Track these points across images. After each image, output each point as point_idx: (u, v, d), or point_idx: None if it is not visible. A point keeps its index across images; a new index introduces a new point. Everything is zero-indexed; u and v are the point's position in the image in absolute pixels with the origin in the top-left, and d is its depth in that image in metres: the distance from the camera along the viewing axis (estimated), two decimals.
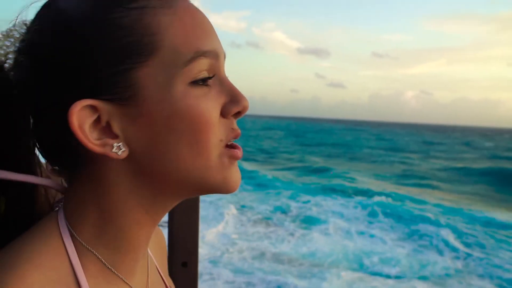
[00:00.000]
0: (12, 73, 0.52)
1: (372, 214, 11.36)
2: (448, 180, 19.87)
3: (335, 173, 19.41)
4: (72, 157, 0.50)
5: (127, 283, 0.54)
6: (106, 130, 0.48)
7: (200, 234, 1.32)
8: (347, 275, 7.39)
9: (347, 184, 16.46)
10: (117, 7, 0.46)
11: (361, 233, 9.87)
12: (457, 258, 8.40)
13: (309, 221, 10.55)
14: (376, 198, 13.51)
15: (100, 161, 0.49)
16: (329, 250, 8.58)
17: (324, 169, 20.61)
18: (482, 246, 9.09)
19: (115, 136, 0.48)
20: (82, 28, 0.46)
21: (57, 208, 0.52)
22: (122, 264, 0.53)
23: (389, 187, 16.87)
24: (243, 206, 11.97)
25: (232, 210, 11.09)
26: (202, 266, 6.92)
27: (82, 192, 0.51)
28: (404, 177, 20.41)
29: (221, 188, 0.52)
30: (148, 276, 0.60)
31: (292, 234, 9.48)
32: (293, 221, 10.61)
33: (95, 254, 0.50)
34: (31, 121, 0.52)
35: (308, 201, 12.83)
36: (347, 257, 8.30)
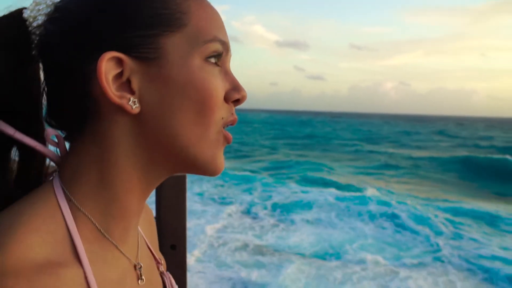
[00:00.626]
0: (37, 31, 0.54)
1: (342, 207, 11.37)
2: (419, 169, 20.14)
3: (306, 164, 19.48)
4: (83, 111, 0.51)
5: (119, 250, 0.55)
6: (125, 85, 0.51)
7: None
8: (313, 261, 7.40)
9: (316, 175, 16.55)
10: None
11: (330, 223, 9.92)
12: (427, 246, 8.53)
13: (276, 211, 10.55)
14: (344, 190, 13.60)
15: (108, 116, 0.51)
16: (297, 241, 8.59)
17: (296, 162, 20.67)
18: (452, 236, 9.19)
19: (132, 92, 0.51)
20: None
21: (51, 178, 0.54)
22: (115, 231, 0.54)
23: (360, 178, 17.03)
24: (222, 198, 11.98)
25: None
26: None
27: (82, 153, 0.53)
28: (376, 167, 20.63)
29: (208, 166, 0.55)
30: (138, 247, 0.62)
31: (262, 227, 9.45)
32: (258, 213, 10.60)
33: (90, 219, 0.52)
34: (43, 83, 0.55)
35: (273, 191, 12.83)
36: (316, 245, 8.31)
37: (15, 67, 0.54)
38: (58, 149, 0.56)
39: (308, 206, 11.28)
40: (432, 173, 19.23)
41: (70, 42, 0.51)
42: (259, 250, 7.98)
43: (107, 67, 0.49)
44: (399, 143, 34.88)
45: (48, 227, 0.48)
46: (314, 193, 12.75)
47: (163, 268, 0.70)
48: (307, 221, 10.00)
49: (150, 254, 0.68)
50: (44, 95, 0.56)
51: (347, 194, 12.68)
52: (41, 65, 0.55)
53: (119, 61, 0.50)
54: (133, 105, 0.50)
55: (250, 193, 12.72)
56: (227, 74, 0.57)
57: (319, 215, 10.45)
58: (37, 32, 0.54)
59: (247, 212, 10.67)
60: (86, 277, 0.48)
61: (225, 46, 0.56)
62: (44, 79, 0.55)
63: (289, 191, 13.11)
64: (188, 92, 0.52)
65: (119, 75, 0.50)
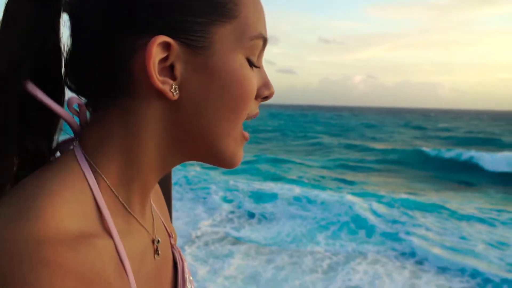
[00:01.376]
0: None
1: (293, 199, 11.12)
2: (378, 162, 20.20)
3: (263, 158, 19.20)
4: (117, 85, 0.50)
5: (140, 224, 0.56)
6: (167, 70, 0.50)
7: None
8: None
9: (271, 170, 16.27)
10: None
11: (282, 217, 9.70)
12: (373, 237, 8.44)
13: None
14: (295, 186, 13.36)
15: (144, 96, 0.50)
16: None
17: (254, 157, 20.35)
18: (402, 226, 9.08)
19: (174, 78, 0.50)
20: None
21: (72, 147, 0.52)
22: (136, 206, 0.54)
23: (318, 172, 16.87)
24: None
25: None
26: None
27: (109, 126, 0.51)
28: (332, 161, 20.61)
29: (228, 160, 0.55)
30: (153, 222, 0.62)
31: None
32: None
33: (114, 192, 0.51)
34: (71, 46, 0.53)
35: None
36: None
37: (43, 20, 0.50)
38: (78, 118, 0.54)
39: (266, 199, 10.99)
40: (389, 165, 19.31)
41: (116, 12, 0.49)
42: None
43: (156, 51, 0.47)
44: (364, 136, 35.13)
45: (77, 198, 0.46)
46: (270, 187, 12.45)
47: (173, 241, 0.70)
48: (261, 214, 9.73)
49: (163, 227, 0.68)
50: (66, 56, 0.53)
51: (301, 188, 12.47)
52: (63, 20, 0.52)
53: (167, 46, 0.49)
54: (174, 91, 0.50)
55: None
56: (260, 70, 0.57)
57: (273, 209, 10.22)
58: None
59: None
60: (116, 248, 0.48)
61: (265, 43, 0.56)
62: (73, 40, 0.52)
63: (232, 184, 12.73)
64: (228, 87, 0.51)
65: (164, 59, 0.49)
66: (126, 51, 0.49)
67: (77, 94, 0.54)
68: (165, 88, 0.49)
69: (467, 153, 19.38)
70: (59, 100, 0.53)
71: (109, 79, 0.50)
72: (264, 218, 9.69)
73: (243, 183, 12.67)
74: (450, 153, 19.99)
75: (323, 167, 18.26)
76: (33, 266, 0.38)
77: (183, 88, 0.50)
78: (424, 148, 21.71)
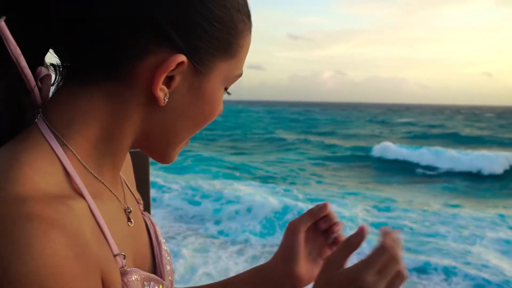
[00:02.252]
0: None
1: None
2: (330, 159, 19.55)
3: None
4: (113, 70, 0.52)
5: (113, 193, 0.59)
6: (167, 79, 0.53)
7: None
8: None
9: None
10: (236, 12, 0.55)
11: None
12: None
13: None
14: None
15: (135, 90, 0.53)
16: None
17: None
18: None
19: (169, 87, 0.53)
20: (217, 8, 0.53)
21: (35, 120, 0.52)
22: (107, 178, 0.57)
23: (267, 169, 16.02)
24: None
25: None
26: None
27: (89, 104, 0.52)
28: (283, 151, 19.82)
29: (167, 159, 0.61)
30: (124, 192, 0.65)
31: None
32: None
33: (83, 164, 0.53)
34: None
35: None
36: None
37: None
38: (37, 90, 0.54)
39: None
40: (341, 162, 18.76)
41: (152, 12, 0.50)
42: None
43: (170, 65, 0.51)
44: (328, 133, 34.66)
45: (47, 168, 0.48)
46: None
47: (141, 207, 0.72)
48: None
49: (132, 195, 0.70)
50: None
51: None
52: None
53: (180, 63, 0.52)
54: (166, 99, 0.53)
55: None
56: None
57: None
58: None
59: None
60: (91, 210, 0.50)
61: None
62: (94, 4, 0.50)
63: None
64: (205, 108, 0.58)
65: (171, 71, 0.52)
66: (142, 47, 0.51)
67: (62, 60, 0.55)
68: (160, 95, 0.53)
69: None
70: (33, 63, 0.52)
71: (111, 61, 0.52)
72: None
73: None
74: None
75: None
76: (16, 222, 0.40)
77: (171, 98, 0.54)
78: (386, 143, 21.29)
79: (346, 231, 0.74)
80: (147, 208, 1.41)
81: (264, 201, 9.74)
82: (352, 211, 9.66)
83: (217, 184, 12.14)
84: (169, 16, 0.50)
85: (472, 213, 9.73)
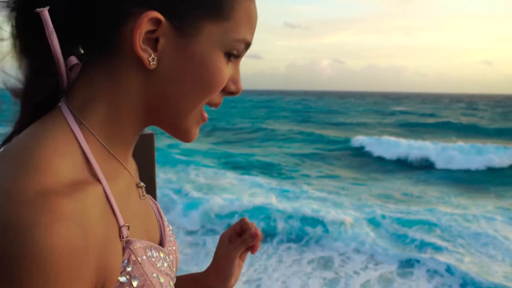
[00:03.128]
0: None
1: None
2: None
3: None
4: (108, 41, 0.54)
5: (126, 169, 0.61)
6: (152, 42, 0.54)
7: None
8: None
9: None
10: None
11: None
12: None
13: None
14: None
15: (128, 58, 0.54)
16: None
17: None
18: None
19: (155, 50, 0.55)
20: None
21: (59, 104, 0.56)
22: (120, 153, 0.59)
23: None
24: None
25: None
26: None
27: (95, 83, 0.56)
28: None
29: (184, 135, 0.61)
30: (136, 171, 0.71)
31: None
32: None
33: (100, 141, 0.56)
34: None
35: None
36: None
37: None
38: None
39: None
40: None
41: None
42: None
43: (147, 25, 0.52)
44: (317, 122, 34.10)
45: (66, 150, 0.51)
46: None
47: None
48: None
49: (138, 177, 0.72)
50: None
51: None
52: None
53: (158, 21, 0.53)
54: (151, 61, 0.54)
55: None
56: (235, 66, 0.62)
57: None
58: None
59: None
60: (105, 192, 0.53)
61: (248, 46, 0.61)
62: None
63: None
64: (200, 72, 0.56)
65: (151, 32, 0.53)
66: (124, 13, 0.53)
67: (74, 42, 0.58)
68: (144, 55, 0.53)
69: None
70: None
71: (103, 34, 0.54)
72: None
73: None
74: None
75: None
76: (35, 213, 0.43)
77: (161, 62, 0.55)
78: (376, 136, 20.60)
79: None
80: (153, 190, 1.42)
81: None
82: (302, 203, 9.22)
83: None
84: None
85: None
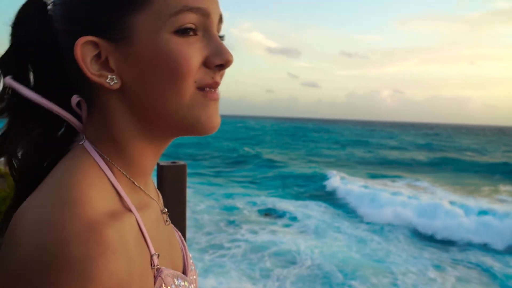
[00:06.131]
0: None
1: None
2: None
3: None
4: (86, 87, 0.58)
5: (151, 197, 0.66)
6: (104, 64, 0.56)
7: None
8: None
9: None
10: None
11: None
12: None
13: None
14: None
15: (101, 92, 0.57)
16: None
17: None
18: None
19: (111, 70, 0.56)
20: None
21: (81, 142, 0.59)
22: (141, 182, 0.63)
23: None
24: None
25: None
26: None
27: (97, 122, 0.59)
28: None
29: (197, 126, 0.58)
30: (158, 195, 0.76)
31: None
32: None
33: (124, 174, 0.59)
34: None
35: None
36: None
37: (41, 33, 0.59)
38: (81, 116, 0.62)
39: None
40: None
41: (64, 27, 0.57)
42: None
43: (84, 50, 0.55)
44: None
45: (98, 183, 0.54)
46: None
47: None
48: None
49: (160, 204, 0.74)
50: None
51: None
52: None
53: (96, 44, 0.55)
54: (111, 82, 0.56)
55: None
56: (210, 39, 0.59)
57: None
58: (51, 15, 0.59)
59: None
60: (138, 223, 0.57)
61: (203, 11, 0.57)
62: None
63: None
64: (156, 66, 0.55)
65: (98, 56, 0.56)
66: (67, 53, 0.56)
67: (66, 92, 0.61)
68: (101, 80, 0.55)
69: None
70: (62, 100, 0.60)
71: (78, 84, 0.58)
72: None
73: None
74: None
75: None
76: (81, 246, 0.45)
77: (123, 77, 0.56)
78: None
79: None
80: (182, 219, 1.45)
81: None
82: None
83: None
84: (69, 13, 0.56)
85: None
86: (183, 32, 0.56)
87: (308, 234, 10.32)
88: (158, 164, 1.62)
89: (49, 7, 0.59)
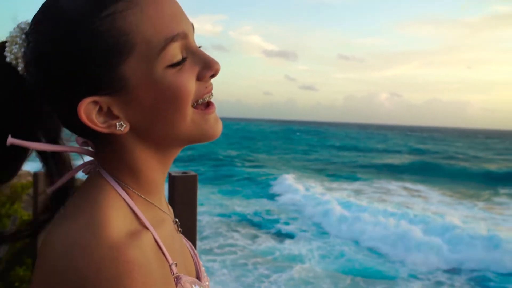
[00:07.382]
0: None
1: None
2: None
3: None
4: (94, 134, 0.61)
5: (164, 212, 0.70)
6: (109, 114, 0.59)
7: None
8: None
9: None
10: (93, 17, 0.55)
11: None
12: None
13: None
14: None
15: (110, 138, 0.62)
16: None
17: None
18: None
19: (116, 118, 0.59)
20: (72, 42, 0.55)
21: (97, 169, 0.65)
22: (155, 199, 0.68)
23: None
24: None
25: None
26: None
27: (112, 154, 0.63)
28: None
29: (203, 137, 0.65)
30: (168, 207, 0.79)
31: None
32: None
33: (139, 195, 0.64)
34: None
35: None
36: None
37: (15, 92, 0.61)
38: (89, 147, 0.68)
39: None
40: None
41: (51, 92, 0.59)
42: None
43: (87, 110, 0.57)
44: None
45: (117, 206, 0.59)
46: None
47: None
48: None
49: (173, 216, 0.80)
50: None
51: None
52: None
53: (95, 102, 0.57)
54: (121, 128, 0.59)
55: None
56: (194, 55, 0.61)
57: None
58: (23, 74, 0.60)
59: None
60: (154, 238, 0.62)
61: (182, 35, 0.59)
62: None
63: None
64: (159, 101, 0.58)
65: (100, 109, 0.58)
66: (76, 115, 0.58)
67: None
68: (112, 129, 0.59)
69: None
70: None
71: (90, 132, 0.60)
72: None
73: None
74: None
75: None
76: (111, 266, 0.50)
77: (130, 119, 0.60)
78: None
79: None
80: (193, 226, 1.50)
81: None
82: None
83: None
84: (60, 85, 0.57)
85: None
86: (174, 65, 0.58)
87: None
88: (169, 174, 1.68)
89: (19, 68, 0.60)
